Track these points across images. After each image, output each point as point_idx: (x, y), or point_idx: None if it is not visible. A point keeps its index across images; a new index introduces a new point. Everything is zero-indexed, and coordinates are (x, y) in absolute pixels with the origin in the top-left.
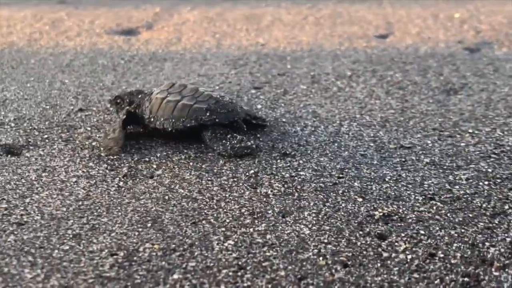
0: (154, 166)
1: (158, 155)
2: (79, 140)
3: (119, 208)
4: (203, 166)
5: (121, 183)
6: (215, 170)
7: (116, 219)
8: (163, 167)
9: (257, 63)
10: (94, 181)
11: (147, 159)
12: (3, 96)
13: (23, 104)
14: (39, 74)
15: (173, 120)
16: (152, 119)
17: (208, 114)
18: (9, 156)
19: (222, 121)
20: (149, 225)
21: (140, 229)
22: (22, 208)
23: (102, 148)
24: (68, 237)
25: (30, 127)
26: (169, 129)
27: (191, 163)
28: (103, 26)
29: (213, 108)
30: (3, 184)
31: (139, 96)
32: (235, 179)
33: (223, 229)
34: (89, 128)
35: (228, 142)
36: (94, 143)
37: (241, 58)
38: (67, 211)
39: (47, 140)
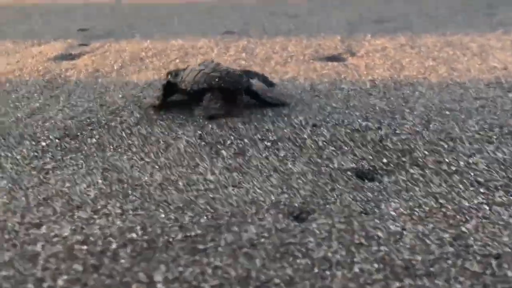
0: None
1: None
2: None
3: None
4: None
5: None
6: None
7: None
8: None
9: None
10: None
11: None
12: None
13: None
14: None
15: (192, 83)
16: (182, 83)
17: (217, 80)
18: (366, 180)
19: (228, 87)
20: None
21: None
22: None
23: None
24: None
25: None
26: (188, 89)
27: None
28: (301, 53)
29: (223, 76)
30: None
31: (181, 72)
32: None
33: None
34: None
35: (210, 106)
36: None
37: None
38: None
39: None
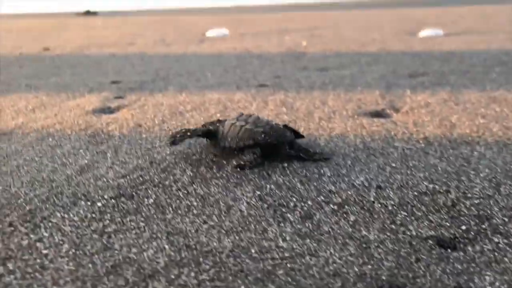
0: None
1: None
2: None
3: None
4: None
5: None
6: None
7: None
8: None
9: None
10: None
11: None
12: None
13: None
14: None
15: (237, 140)
16: (222, 139)
17: (263, 135)
18: (449, 250)
19: (273, 141)
20: None
21: None
22: None
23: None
24: None
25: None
26: (234, 147)
27: None
28: (343, 107)
29: (268, 131)
30: None
31: (217, 124)
32: None
33: None
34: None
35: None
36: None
37: None
38: None
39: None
